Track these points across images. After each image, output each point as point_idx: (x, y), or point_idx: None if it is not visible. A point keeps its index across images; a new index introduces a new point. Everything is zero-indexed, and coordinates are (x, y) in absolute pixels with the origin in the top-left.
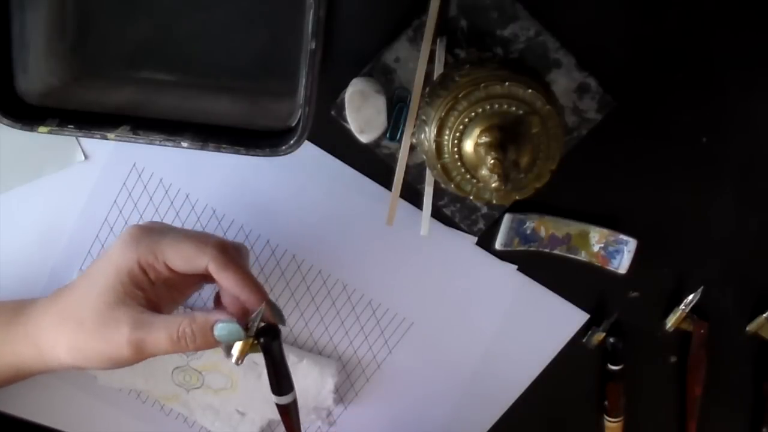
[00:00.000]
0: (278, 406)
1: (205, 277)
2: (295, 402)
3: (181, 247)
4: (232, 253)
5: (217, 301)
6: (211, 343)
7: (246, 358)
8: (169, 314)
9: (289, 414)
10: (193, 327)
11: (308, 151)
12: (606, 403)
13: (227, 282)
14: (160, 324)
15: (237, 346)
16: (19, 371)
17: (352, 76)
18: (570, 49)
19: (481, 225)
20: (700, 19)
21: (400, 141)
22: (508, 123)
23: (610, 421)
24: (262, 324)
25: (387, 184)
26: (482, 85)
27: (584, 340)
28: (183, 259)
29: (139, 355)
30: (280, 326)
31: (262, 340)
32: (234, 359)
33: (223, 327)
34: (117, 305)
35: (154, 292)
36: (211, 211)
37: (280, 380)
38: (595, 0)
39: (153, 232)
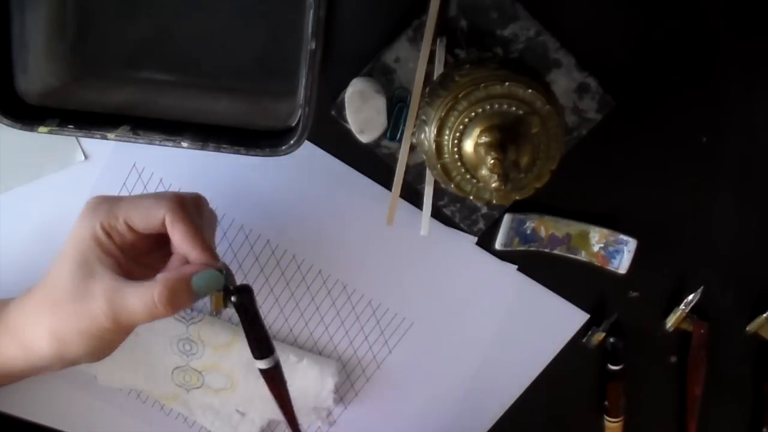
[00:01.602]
0: (261, 372)
1: (167, 249)
2: (278, 366)
3: (140, 202)
4: (188, 208)
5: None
6: (190, 298)
7: (244, 358)
8: None
9: (274, 380)
10: (168, 287)
11: (308, 151)
12: (606, 403)
13: (178, 235)
14: (135, 291)
15: (211, 300)
16: (4, 372)
17: (352, 76)
18: (570, 49)
19: (481, 225)
20: (700, 19)
21: (400, 141)
22: (508, 123)
23: (610, 421)
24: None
25: (387, 184)
26: (482, 85)
27: (584, 340)
28: (142, 213)
29: (119, 325)
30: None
31: (233, 298)
32: (211, 311)
33: (201, 276)
34: (89, 278)
35: (124, 263)
36: None
37: (260, 341)
38: (595, 0)
39: (111, 198)
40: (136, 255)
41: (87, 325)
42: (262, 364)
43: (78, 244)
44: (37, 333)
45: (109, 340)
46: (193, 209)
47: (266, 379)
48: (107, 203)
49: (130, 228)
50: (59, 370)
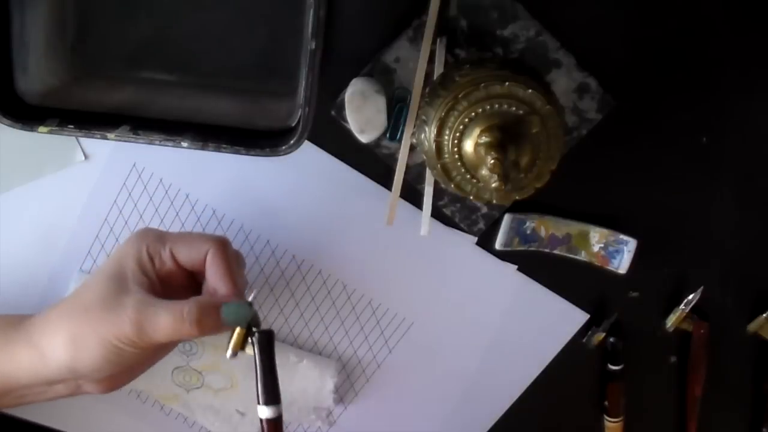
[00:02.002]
0: (264, 421)
1: (198, 290)
2: (281, 417)
3: (186, 235)
4: (231, 251)
5: None
6: (216, 325)
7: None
8: None
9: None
10: (200, 307)
11: (308, 151)
12: (606, 403)
13: (216, 271)
14: (166, 305)
15: (232, 339)
16: (17, 384)
17: (352, 76)
18: (570, 49)
19: (481, 225)
20: (700, 19)
21: (400, 141)
22: (508, 123)
23: (610, 421)
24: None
25: (387, 184)
26: (482, 85)
27: (584, 340)
28: (187, 245)
29: (142, 336)
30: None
31: (256, 335)
32: (228, 352)
33: (231, 307)
34: (123, 291)
35: (157, 287)
36: (211, 211)
37: (270, 387)
38: (595, 0)
39: (160, 230)
40: (169, 287)
41: (110, 332)
42: (267, 412)
43: (119, 260)
44: (56, 337)
45: (126, 357)
46: (233, 254)
47: (268, 427)
48: (156, 232)
49: (174, 258)
50: (68, 395)
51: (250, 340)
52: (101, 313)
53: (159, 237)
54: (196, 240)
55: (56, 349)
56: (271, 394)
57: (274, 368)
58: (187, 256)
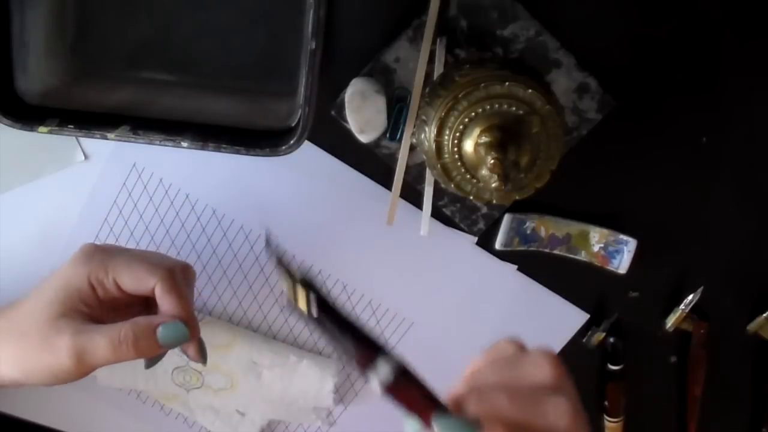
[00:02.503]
0: (384, 388)
1: (146, 305)
2: (402, 368)
3: (133, 266)
4: (178, 280)
5: None
6: (154, 346)
7: (244, 358)
8: None
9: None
10: (135, 330)
11: (308, 151)
12: (606, 403)
13: (168, 306)
14: (102, 330)
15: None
16: None
17: (352, 76)
18: (570, 49)
19: (481, 225)
20: (700, 18)
21: (400, 141)
22: (508, 123)
23: (610, 421)
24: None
25: (387, 184)
26: (482, 85)
27: (584, 340)
28: (133, 278)
29: (81, 363)
30: (200, 365)
31: (312, 293)
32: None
33: (167, 327)
34: (60, 318)
35: (99, 311)
36: (211, 211)
37: (368, 337)
38: (595, 0)
39: (107, 251)
40: (114, 307)
41: (50, 361)
42: (383, 372)
43: (60, 284)
44: (1, 357)
45: (68, 375)
46: (182, 280)
47: (393, 391)
48: (101, 255)
49: (118, 286)
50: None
51: (309, 297)
52: (39, 339)
53: (102, 264)
54: (141, 273)
55: (3, 368)
56: (374, 345)
57: (352, 321)
58: (132, 287)
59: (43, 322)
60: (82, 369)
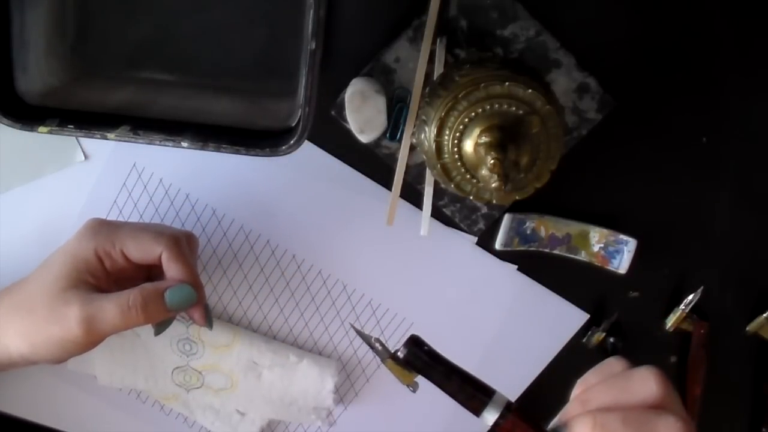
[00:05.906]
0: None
1: (149, 278)
2: (511, 406)
3: (139, 236)
4: (183, 247)
5: None
6: (162, 310)
7: (244, 358)
8: None
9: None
10: (144, 294)
11: (308, 151)
12: None
13: (175, 272)
14: (110, 298)
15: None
16: None
17: (352, 76)
18: (570, 49)
19: (481, 225)
20: (700, 18)
21: (400, 141)
22: (508, 123)
23: None
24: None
25: (387, 184)
26: (482, 85)
27: (584, 340)
28: (139, 247)
29: (90, 332)
30: (207, 329)
31: (405, 350)
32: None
33: (175, 290)
34: (68, 290)
35: (106, 283)
36: (211, 211)
37: (474, 381)
38: (595, 0)
39: (112, 223)
40: (121, 279)
41: (59, 332)
42: (492, 413)
43: (68, 259)
44: (8, 333)
45: (77, 345)
46: (186, 248)
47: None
48: (107, 228)
49: (125, 256)
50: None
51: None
52: (47, 311)
53: (108, 236)
54: (147, 241)
55: (11, 344)
56: (482, 388)
57: (456, 368)
58: (139, 256)
59: (51, 295)
60: (91, 338)
